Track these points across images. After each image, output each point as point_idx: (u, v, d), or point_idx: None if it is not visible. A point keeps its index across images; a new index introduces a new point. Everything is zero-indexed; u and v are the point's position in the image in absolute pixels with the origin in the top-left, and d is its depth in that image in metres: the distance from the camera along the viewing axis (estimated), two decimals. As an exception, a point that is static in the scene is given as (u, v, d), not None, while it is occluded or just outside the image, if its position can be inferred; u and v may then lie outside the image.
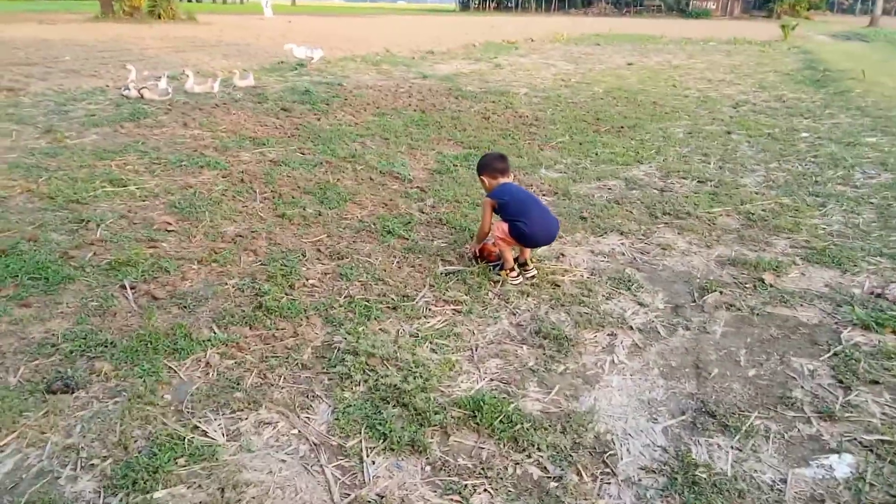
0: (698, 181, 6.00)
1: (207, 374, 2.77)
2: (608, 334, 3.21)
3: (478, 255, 3.96)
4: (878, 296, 3.60)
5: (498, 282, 3.72)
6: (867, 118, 9.09)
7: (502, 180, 3.83)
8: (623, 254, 4.28)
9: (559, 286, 3.74)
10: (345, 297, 3.50)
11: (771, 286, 3.75)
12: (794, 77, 14.49)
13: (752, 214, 4.99)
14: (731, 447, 2.39)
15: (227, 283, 3.60)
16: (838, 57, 18.92)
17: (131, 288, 3.49)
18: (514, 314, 3.39)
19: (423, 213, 4.93)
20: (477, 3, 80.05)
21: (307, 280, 3.69)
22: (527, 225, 3.60)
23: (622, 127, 8.38)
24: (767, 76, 14.61)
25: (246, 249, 4.07)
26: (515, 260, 3.82)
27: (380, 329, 3.17)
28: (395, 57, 15.54)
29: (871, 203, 5.27)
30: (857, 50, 23.32)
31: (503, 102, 10.01)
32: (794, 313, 3.43)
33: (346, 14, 52.31)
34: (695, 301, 3.59)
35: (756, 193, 5.56)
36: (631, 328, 3.26)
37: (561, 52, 20.32)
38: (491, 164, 3.87)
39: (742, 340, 3.16)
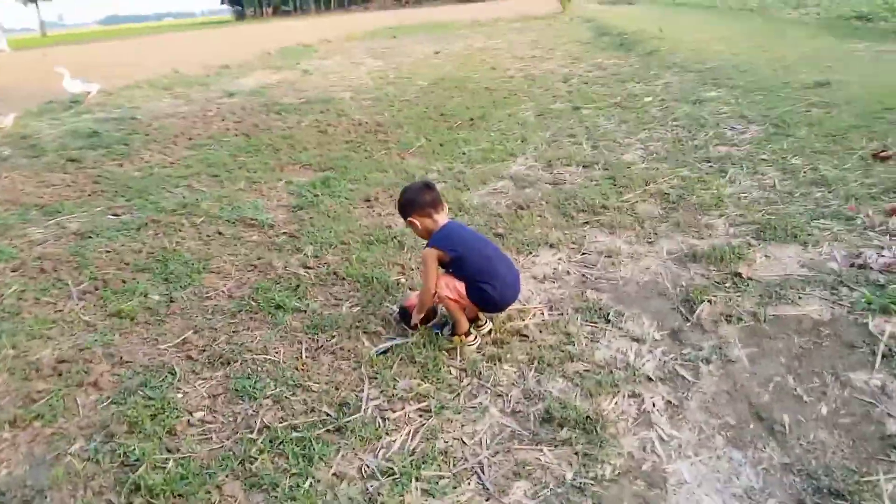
0: (584, 166, 5.50)
1: None
2: (630, 396, 2.46)
3: (416, 321, 3.03)
4: (861, 267, 3.22)
5: (452, 349, 2.82)
6: (691, 73, 9.31)
7: (439, 218, 2.91)
8: (568, 272, 3.57)
9: (526, 336, 2.93)
10: (259, 429, 2.41)
11: (750, 279, 3.23)
12: (596, 44, 14.92)
13: (667, 195, 4.54)
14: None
15: (66, 456, 2.34)
16: (622, 21, 20.03)
17: None
18: (500, 396, 2.52)
19: (307, 268, 3.87)
20: (253, 10, 76.60)
21: (191, 416, 2.54)
22: (495, 288, 2.76)
23: (471, 119, 7.77)
24: (571, 47, 14.92)
25: (81, 384, 2.79)
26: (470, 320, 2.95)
27: (334, 476, 2.15)
28: (187, 77, 13.75)
29: (765, 160, 5.06)
30: (631, 12, 25.06)
31: (333, 111, 8.98)
32: (799, 311, 2.93)
33: (108, 38, 47.05)
34: (688, 320, 2.96)
35: (650, 170, 5.15)
36: (650, 379, 2.54)
37: (362, 49, 19.50)
38: (417, 200, 2.91)
39: (777, 363, 2.58)
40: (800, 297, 3.02)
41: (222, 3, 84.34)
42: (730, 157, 5.21)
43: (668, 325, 2.95)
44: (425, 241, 2.93)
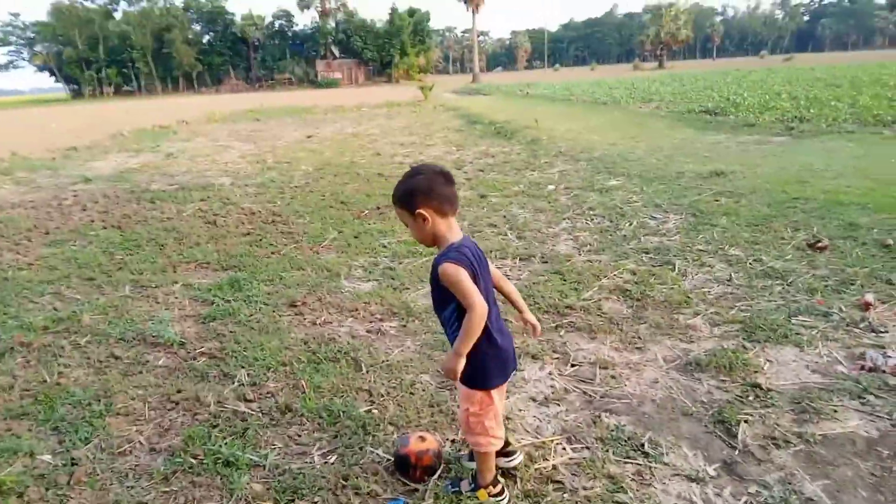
0: (520, 259, 5.19)
1: None
2: (730, 564, 1.97)
3: (417, 462, 2.39)
4: (872, 370, 3.06)
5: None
6: (582, 162, 9.54)
7: (454, 225, 2.16)
8: (566, 390, 3.13)
9: (561, 483, 2.40)
10: None
11: (769, 390, 2.95)
12: (470, 132, 15.21)
13: (628, 292, 4.28)
14: None
15: None
16: (485, 110, 20.82)
17: None
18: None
19: (248, 401, 3.10)
20: (91, 88, 72.18)
21: None
22: (500, 329, 2.18)
23: (377, 208, 7.29)
24: (447, 134, 15.09)
25: None
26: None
27: None
28: (29, 160, 12.16)
29: (704, 251, 5.01)
30: (490, 103, 26.27)
31: (216, 199, 8.14)
32: (843, 427, 2.68)
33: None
34: (734, 447, 2.59)
35: (593, 263, 4.93)
36: (741, 537, 2.07)
37: (226, 131, 18.60)
38: (435, 190, 2.08)
39: (858, 497, 2.24)
40: (834, 411, 2.77)
41: (56, 80, 78.76)
42: (667, 248, 5.11)
43: (714, 455, 2.55)
44: (426, 245, 2.21)
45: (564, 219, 6.36)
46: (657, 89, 24.34)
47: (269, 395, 3.17)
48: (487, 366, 2.16)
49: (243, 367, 3.45)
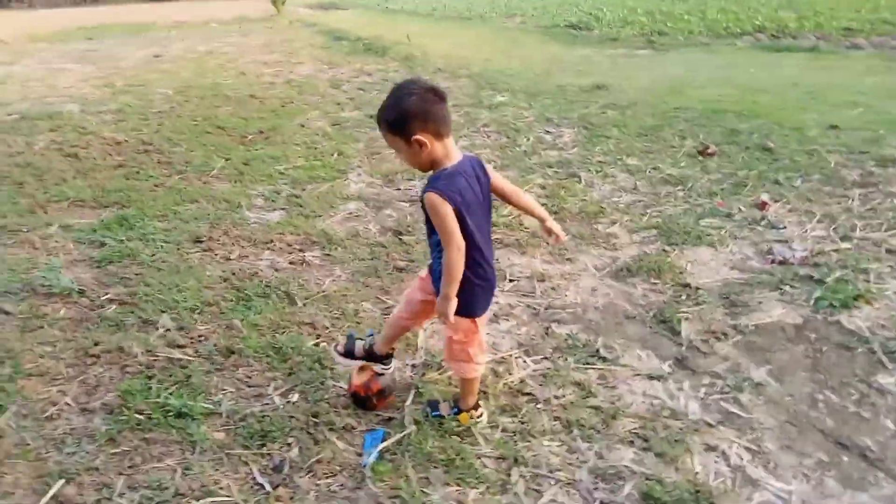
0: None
1: None
2: (707, 450, 2.15)
3: (367, 393, 2.35)
4: (782, 263, 3.37)
5: (461, 430, 2.23)
6: (462, 79, 9.41)
7: (451, 147, 2.00)
8: (510, 304, 3.19)
9: (532, 395, 2.47)
10: None
11: (698, 288, 3.17)
12: (337, 49, 14.49)
13: (543, 205, 4.34)
14: None
15: None
16: (349, 25, 19.83)
17: None
18: (570, 485, 2.02)
19: (181, 347, 2.86)
20: None
21: None
22: (487, 261, 2.12)
23: (261, 132, 6.83)
24: (313, 51, 14.29)
25: None
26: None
27: None
28: None
29: (603, 162, 5.19)
30: (351, 17, 25.09)
31: (70, 128, 7.23)
32: (771, 317, 2.92)
33: None
34: (681, 344, 2.76)
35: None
36: (709, 425, 2.27)
37: (56, 52, 16.40)
38: (431, 111, 1.91)
39: (801, 378, 2.54)
40: (759, 303, 3.02)
41: None
42: (569, 161, 5.23)
43: (665, 353, 2.72)
44: (420, 172, 2.09)
45: (461, 136, 6.29)
46: (517, 4, 24.36)
47: (202, 339, 2.94)
48: (474, 296, 2.10)
49: (163, 312, 3.16)
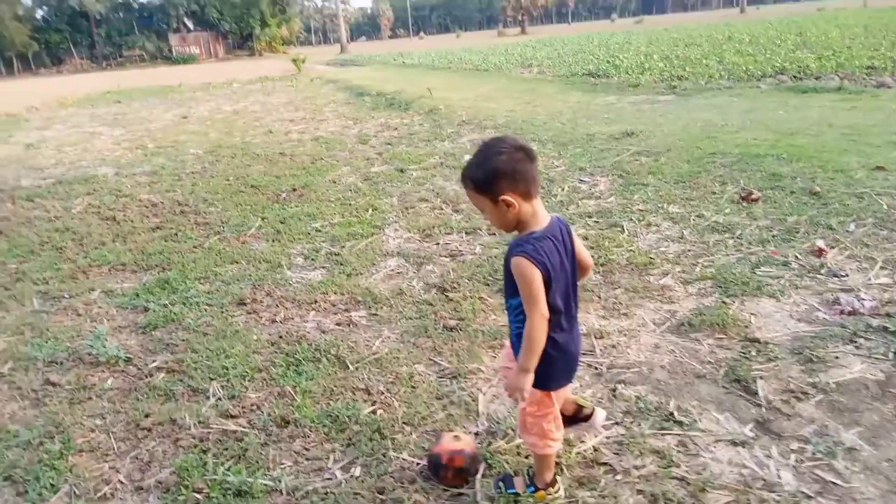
0: (466, 233, 5.05)
1: None
2: None
3: (448, 463, 2.22)
4: (851, 314, 3.21)
5: (540, 509, 2.09)
6: (489, 130, 9.50)
7: (539, 209, 1.91)
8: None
9: (609, 465, 2.31)
10: None
11: (767, 343, 3.02)
12: (360, 105, 14.76)
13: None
14: None
15: None
16: (368, 82, 20.31)
17: None
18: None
19: (233, 418, 2.76)
20: None
21: None
22: (569, 331, 2.00)
23: (294, 189, 6.88)
24: (337, 107, 14.58)
25: None
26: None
27: None
28: None
29: (644, 210, 5.09)
30: (369, 74, 25.68)
31: (105, 191, 7.35)
32: (851, 373, 2.77)
33: None
34: (759, 405, 2.60)
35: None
36: (809, 497, 2.09)
37: (87, 116, 16.92)
38: (520, 171, 1.81)
39: (894, 437, 2.31)
40: (836, 358, 2.87)
41: None
42: (609, 210, 5.15)
43: (744, 415, 2.57)
44: (506, 232, 1.98)
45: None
46: (532, 54, 24.81)
47: (255, 408, 2.84)
48: (550, 367, 1.98)
49: (213, 380, 3.08)
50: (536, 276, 1.80)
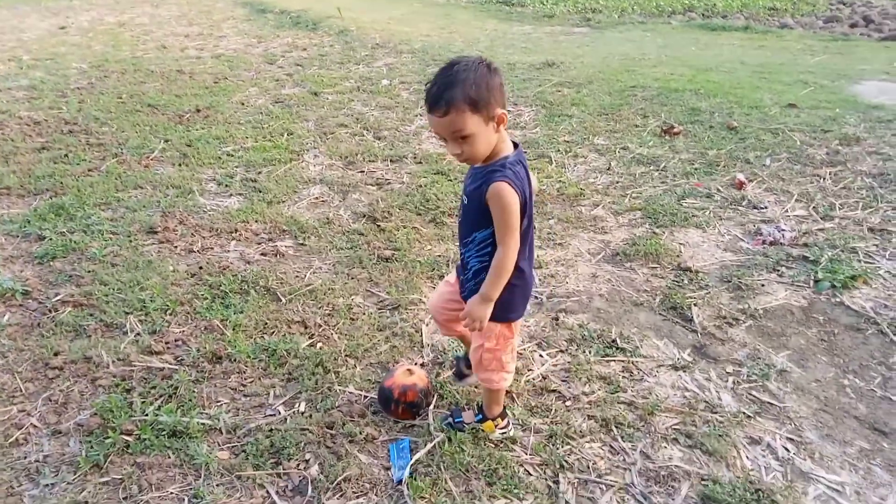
0: (391, 161, 4.89)
1: None
2: (751, 443, 2.08)
3: (399, 398, 2.16)
4: (773, 244, 3.36)
5: (496, 440, 2.08)
6: (405, 55, 9.13)
7: (506, 135, 1.79)
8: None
9: (557, 392, 2.34)
10: None
11: (698, 272, 3.12)
12: (261, 21, 13.82)
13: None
14: None
15: None
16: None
17: None
18: (624, 490, 1.91)
19: (156, 354, 2.56)
20: None
21: None
22: (530, 262, 1.94)
23: (198, 110, 6.36)
24: (236, 24, 13.57)
25: None
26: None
27: None
28: None
29: (570, 142, 5.08)
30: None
31: (-23, 106, 6.51)
32: (776, 300, 2.89)
33: None
34: (695, 331, 2.68)
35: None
36: (748, 416, 2.19)
37: (-57, 20, 14.89)
38: (495, 87, 1.67)
39: (821, 363, 2.52)
40: (762, 285, 2.99)
41: None
42: (535, 141, 5.11)
43: (682, 341, 2.64)
44: (477, 161, 1.77)
45: (417, 115, 6.05)
46: (443, -22, 23.97)
47: (180, 343, 2.64)
48: (512, 297, 1.89)
49: (129, 314, 2.82)
50: (516, 203, 1.70)
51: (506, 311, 1.91)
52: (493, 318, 1.87)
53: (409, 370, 2.24)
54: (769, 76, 6.58)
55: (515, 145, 1.79)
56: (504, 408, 2.15)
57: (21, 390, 2.36)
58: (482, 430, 2.11)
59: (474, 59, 1.67)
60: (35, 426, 2.19)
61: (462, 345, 2.31)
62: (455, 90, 1.61)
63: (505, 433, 2.12)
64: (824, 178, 4.08)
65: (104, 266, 3.24)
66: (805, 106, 5.41)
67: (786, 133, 4.82)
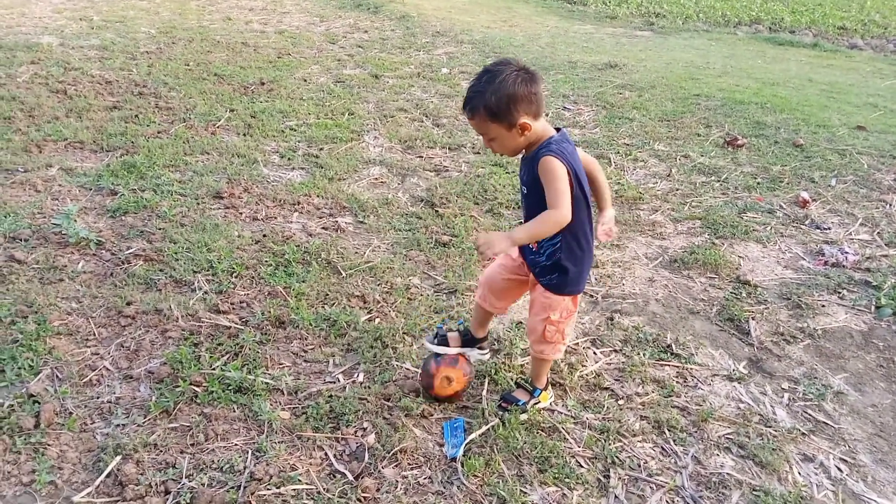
0: (450, 149, 4.92)
1: None
2: (804, 460, 2.08)
3: (434, 388, 2.19)
4: (835, 265, 3.31)
5: (547, 428, 2.12)
6: (465, 45, 9.15)
7: (546, 125, 1.91)
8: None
9: (610, 389, 2.35)
10: None
11: (757, 286, 3.09)
12: (330, 1, 13.94)
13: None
14: None
15: None
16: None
17: None
18: (674, 493, 1.93)
19: (223, 313, 2.65)
20: None
21: None
22: (589, 241, 2.01)
23: (263, 82, 6.48)
24: (300, 1, 13.72)
25: None
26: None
27: None
28: None
29: (629, 145, 5.05)
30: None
31: (52, 62, 6.74)
32: (836, 322, 2.88)
33: None
34: (752, 345, 2.68)
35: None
36: (803, 434, 2.19)
37: (20, -24, 15.35)
38: (534, 93, 1.80)
39: (878, 389, 2.49)
40: (822, 306, 2.97)
41: None
42: (595, 141, 5.09)
43: (738, 353, 2.64)
44: (512, 156, 2.02)
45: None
46: (505, -28, 23.85)
47: (245, 305, 2.73)
48: (581, 270, 2.03)
49: (197, 272, 2.93)
50: (564, 173, 1.79)
51: (576, 284, 2.02)
52: (562, 292, 1.99)
53: (447, 377, 2.20)
54: (837, 96, 6.44)
55: (558, 129, 1.89)
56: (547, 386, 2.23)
57: (95, 335, 2.47)
58: (539, 402, 2.16)
59: (510, 68, 1.77)
60: (108, 369, 2.30)
61: (474, 324, 2.33)
62: (478, 99, 1.77)
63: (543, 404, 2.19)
64: (890, 205, 4.01)
65: (174, 225, 3.36)
66: (874, 129, 5.29)
67: (853, 155, 4.73)
